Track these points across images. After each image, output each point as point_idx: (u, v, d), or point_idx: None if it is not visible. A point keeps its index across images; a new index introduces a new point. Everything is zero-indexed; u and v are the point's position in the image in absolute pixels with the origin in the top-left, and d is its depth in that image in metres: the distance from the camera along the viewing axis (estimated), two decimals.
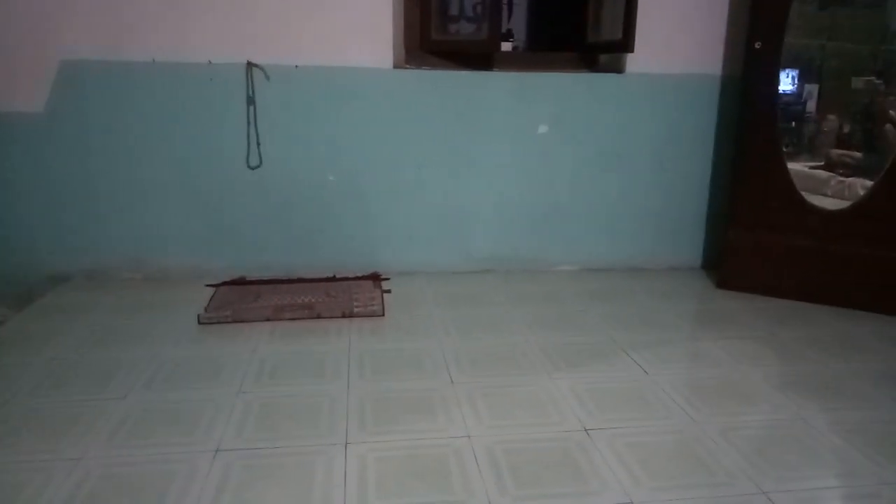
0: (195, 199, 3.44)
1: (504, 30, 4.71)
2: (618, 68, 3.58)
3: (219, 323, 2.94)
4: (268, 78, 3.31)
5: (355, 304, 3.12)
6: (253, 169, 3.42)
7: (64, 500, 1.74)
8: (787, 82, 3.49)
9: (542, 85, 3.52)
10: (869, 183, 3.26)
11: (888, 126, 3.38)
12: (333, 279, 3.51)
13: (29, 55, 3.17)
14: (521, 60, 3.74)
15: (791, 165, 3.35)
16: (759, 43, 3.20)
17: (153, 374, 2.47)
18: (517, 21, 5.19)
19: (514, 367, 2.59)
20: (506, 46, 4.37)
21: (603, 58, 3.71)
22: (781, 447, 2.05)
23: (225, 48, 3.25)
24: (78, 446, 1.99)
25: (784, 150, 3.34)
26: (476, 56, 3.55)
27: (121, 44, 3.20)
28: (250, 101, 3.33)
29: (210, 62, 3.26)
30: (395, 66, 3.40)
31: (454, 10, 3.66)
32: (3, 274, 3.42)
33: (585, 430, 2.13)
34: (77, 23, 3.16)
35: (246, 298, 3.16)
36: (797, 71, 3.59)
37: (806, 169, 3.54)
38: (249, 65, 3.28)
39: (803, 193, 3.32)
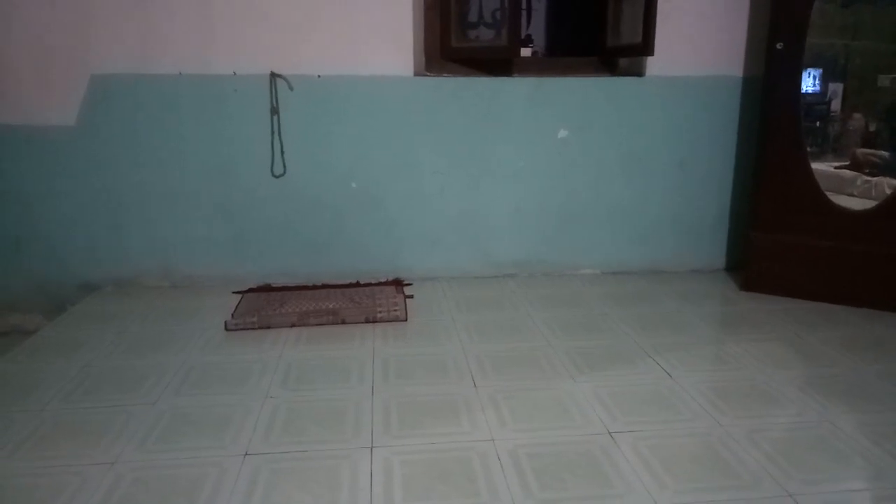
0: (221, 208, 3.51)
1: (523, 35, 4.74)
2: (638, 72, 3.58)
3: (245, 329, 3.00)
4: (291, 88, 3.36)
5: (378, 309, 3.15)
6: (277, 177, 3.47)
7: (98, 503, 1.79)
8: (810, 82, 3.46)
9: (561, 90, 3.53)
10: None
11: None
12: (357, 285, 3.54)
13: (61, 70, 3.27)
14: (541, 65, 3.76)
15: (816, 165, 3.31)
16: (781, 44, 3.17)
17: (182, 379, 2.52)
18: (536, 26, 5.20)
19: (536, 370, 2.60)
20: (525, 52, 4.38)
21: (622, 61, 3.71)
22: (808, 450, 2.04)
23: (249, 60, 3.31)
24: (111, 450, 2.04)
25: (808, 150, 3.31)
26: (496, 62, 3.58)
27: (148, 58, 3.28)
28: (274, 111, 3.38)
29: (235, 73, 3.33)
30: (416, 74, 3.44)
31: (473, 17, 3.69)
32: (36, 283, 3.52)
33: (609, 433, 2.13)
34: (106, 38, 3.24)
35: (272, 305, 3.21)
36: (820, 70, 3.55)
37: (831, 169, 3.51)
38: (273, 75, 3.34)
39: (828, 194, 3.28)
